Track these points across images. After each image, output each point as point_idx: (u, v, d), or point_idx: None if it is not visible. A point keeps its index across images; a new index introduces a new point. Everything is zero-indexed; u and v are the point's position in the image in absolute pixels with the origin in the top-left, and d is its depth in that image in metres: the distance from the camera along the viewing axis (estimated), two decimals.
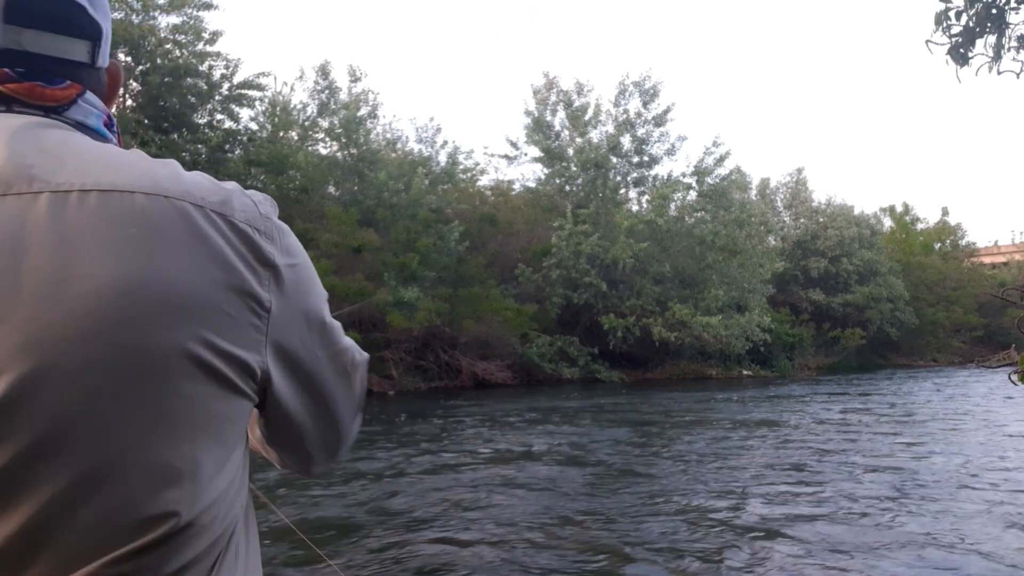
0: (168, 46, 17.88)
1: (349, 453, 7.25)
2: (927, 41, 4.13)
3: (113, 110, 0.83)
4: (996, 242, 49.73)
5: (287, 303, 0.72)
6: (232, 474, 0.70)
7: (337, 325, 0.81)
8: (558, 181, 26.16)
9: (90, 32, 0.75)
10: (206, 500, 0.66)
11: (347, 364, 0.82)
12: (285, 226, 0.76)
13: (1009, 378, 2.62)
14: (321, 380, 0.79)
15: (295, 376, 0.75)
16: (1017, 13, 4.06)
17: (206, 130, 18.86)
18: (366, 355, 0.88)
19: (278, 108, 21.32)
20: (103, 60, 0.78)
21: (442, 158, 24.59)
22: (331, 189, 21.69)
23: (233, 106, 19.54)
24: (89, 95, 0.75)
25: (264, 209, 0.73)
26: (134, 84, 18.11)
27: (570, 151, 25.82)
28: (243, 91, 19.53)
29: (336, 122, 21.94)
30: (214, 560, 0.68)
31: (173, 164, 0.72)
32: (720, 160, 25.97)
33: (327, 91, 22.35)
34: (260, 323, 0.69)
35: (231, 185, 0.73)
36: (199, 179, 0.71)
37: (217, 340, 0.66)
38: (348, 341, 0.83)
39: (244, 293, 0.68)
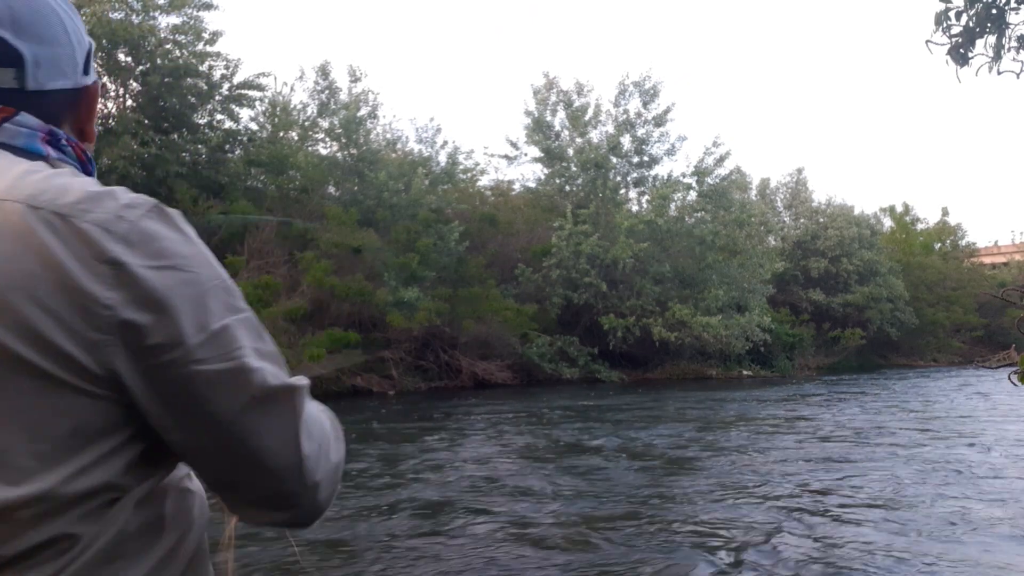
0: (168, 46, 17.88)
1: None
2: (927, 41, 4.13)
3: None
4: (996, 242, 49.68)
5: (145, 306, 0.71)
6: (72, 477, 0.70)
7: (241, 343, 0.75)
8: (558, 181, 26.15)
9: (13, 60, 0.81)
10: (23, 493, 0.67)
11: (252, 387, 0.75)
12: (168, 232, 0.75)
13: (1009, 378, 2.61)
14: (205, 398, 0.73)
15: (160, 386, 0.72)
16: (1017, 13, 4.06)
17: (206, 130, 18.87)
18: (288, 381, 0.78)
19: (278, 108, 21.31)
20: (32, 84, 0.83)
21: (442, 158, 24.59)
22: (331, 189, 21.68)
23: (233, 106, 19.55)
24: (22, 116, 0.81)
25: (130, 213, 0.73)
26: (134, 84, 18.13)
27: (570, 151, 25.82)
28: (243, 91, 19.54)
29: (336, 122, 21.92)
30: (61, 563, 0.69)
31: (50, 173, 0.76)
32: (720, 160, 25.97)
33: (327, 91, 22.34)
34: (97, 321, 0.70)
35: (106, 190, 0.75)
36: (60, 184, 0.74)
37: (34, 334, 0.68)
38: (259, 364, 0.76)
39: (73, 290, 0.69)
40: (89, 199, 0.73)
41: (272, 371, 0.78)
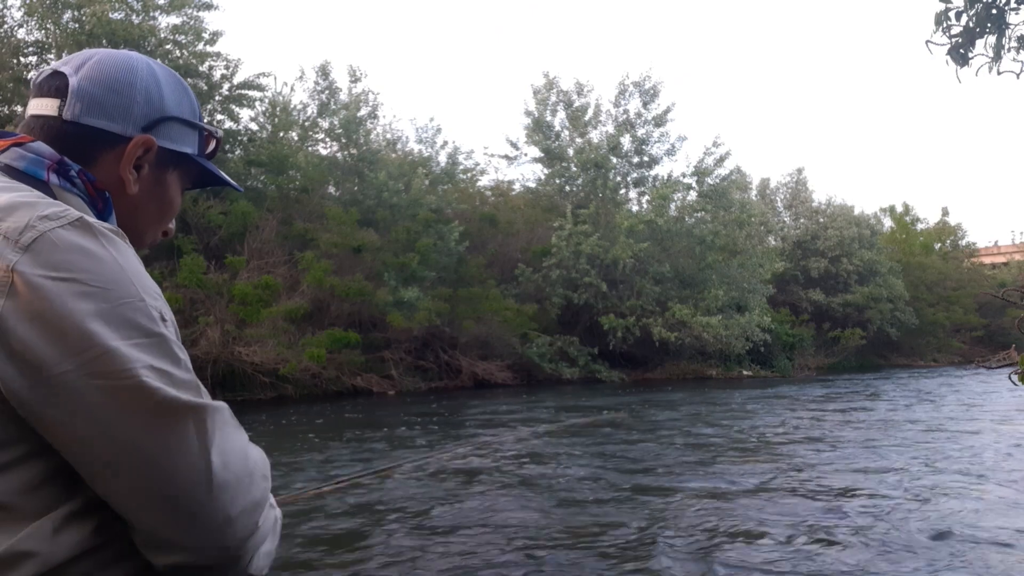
0: (168, 46, 17.88)
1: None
2: (927, 41, 4.13)
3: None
4: (996, 242, 49.81)
5: (34, 316, 0.70)
6: None
7: (142, 363, 0.73)
8: (558, 181, 26.16)
9: (63, 93, 0.91)
10: None
11: (150, 404, 0.72)
12: (83, 245, 0.75)
13: (1009, 378, 2.62)
14: (98, 415, 0.71)
15: (50, 400, 0.70)
16: (1017, 13, 4.07)
17: None
18: (195, 399, 0.75)
19: (278, 108, 21.31)
20: (67, 114, 0.90)
21: (442, 158, 24.59)
22: (331, 189, 21.68)
23: (233, 106, 19.56)
24: (36, 144, 0.88)
25: (43, 224, 0.74)
26: None
27: (570, 151, 25.82)
28: (243, 91, 19.55)
29: (336, 122, 21.93)
30: None
31: (11, 189, 0.80)
32: (720, 160, 25.97)
33: (327, 91, 22.34)
34: None
35: (33, 201, 0.78)
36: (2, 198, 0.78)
37: None
38: (159, 384, 0.73)
39: None
40: (6, 209, 0.76)
41: (176, 391, 0.74)
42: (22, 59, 17.05)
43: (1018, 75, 4.16)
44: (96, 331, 0.71)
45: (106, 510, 0.75)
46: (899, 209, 40.89)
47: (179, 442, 0.73)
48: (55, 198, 0.84)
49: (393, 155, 23.68)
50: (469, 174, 25.80)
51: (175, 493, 0.73)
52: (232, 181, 1.09)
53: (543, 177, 26.85)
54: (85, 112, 0.90)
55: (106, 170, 0.92)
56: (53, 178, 0.86)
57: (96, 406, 0.71)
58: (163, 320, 0.78)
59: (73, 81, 0.90)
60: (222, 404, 0.80)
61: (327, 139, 22.47)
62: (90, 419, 0.71)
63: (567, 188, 25.93)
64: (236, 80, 19.30)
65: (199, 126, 1.01)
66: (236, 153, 19.51)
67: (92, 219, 0.79)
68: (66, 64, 0.93)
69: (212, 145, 1.04)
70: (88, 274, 0.73)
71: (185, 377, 0.77)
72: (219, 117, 19.39)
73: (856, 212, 34.54)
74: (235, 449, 0.79)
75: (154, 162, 0.96)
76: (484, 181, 26.98)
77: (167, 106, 0.96)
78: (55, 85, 0.91)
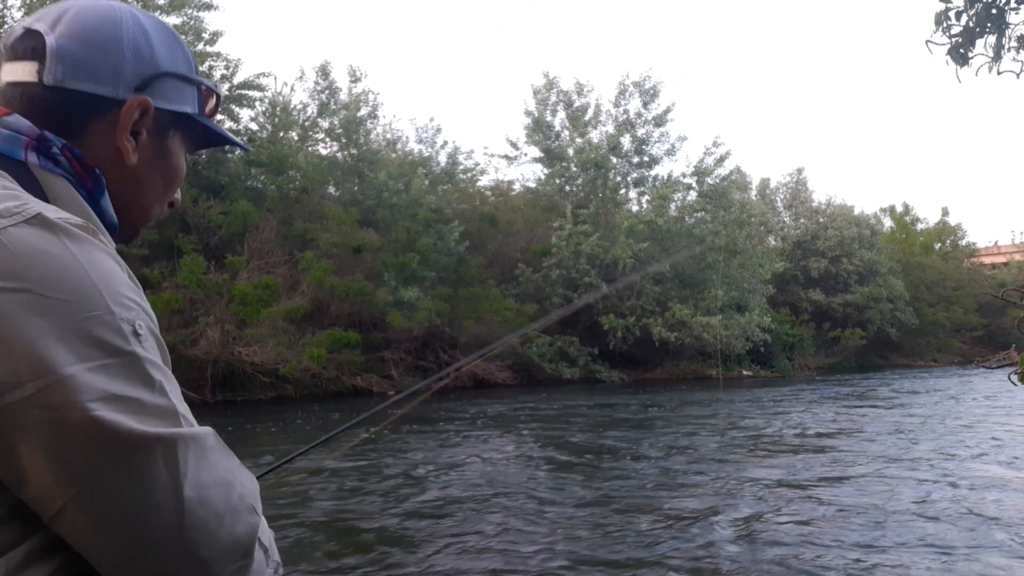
0: None
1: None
2: (927, 41, 4.13)
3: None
4: (996, 242, 49.85)
5: None
6: None
7: (108, 391, 0.63)
8: (558, 181, 26.17)
9: (40, 54, 0.79)
10: None
11: (115, 439, 0.62)
12: (41, 247, 0.64)
13: (1009, 378, 2.62)
14: (54, 451, 0.61)
15: None
16: (1017, 13, 4.06)
17: None
18: (164, 431, 0.65)
19: (278, 108, 21.31)
20: (48, 79, 0.79)
21: (442, 158, 24.60)
22: (331, 189, 21.68)
23: (233, 106, 19.58)
24: (13, 118, 0.77)
25: None
26: None
27: (570, 151, 25.83)
28: (243, 91, 19.57)
29: (336, 122, 21.92)
30: None
31: None
32: (720, 160, 25.99)
33: (327, 91, 22.33)
34: None
35: None
36: None
37: None
38: (127, 415, 0.63)
39: None
40: None
41: (141, 423, 0.64)
42: None
43: (1018, 75, 4.16)
44: (50, 353, 0.61)
45: (70, 548, 0.66)
46: (899, 209, 40.92)
47: (144, 480, 0.64)
48: (36, 180, 0.76)
49: (393, 155, 23.68)
50: (469, 174, 25.82)
51: (142, 535, 0.64)
52: (239, 140, 0.99)
53: (543, 177, 26.88)
54: (69, 75, 0.79)
55: (98, 141, 0.81)
56: (32, 158, 0.76)
57: (48, 443, 0.61)
58: (136, 335, 0.67)
59: (50, 40, 0.79)
60: (204, 430, 0.70)
61: (327, 139, 22.48)
62: (41, 457, 0.61)
63: (567, 188, 25.94)
64: (236, 80, 19.33)
65: (196, 81, 0.89)
66: (236, 153, 19.52)
67: (54, 214, 0.68)
68: (40, 20, 0.80)
69: (212, 102, 0.93)
70: (44, 282, 0.63)
71: (158, 402, 0.66)
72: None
73: (856, 212, 34.56)
74: (216, 481, 0.69)
75: (152, 126, 0.85)
76: (484, 181, 27.04)
77: (160, 61, 0.85)
78: (30, 46, 0.79)
